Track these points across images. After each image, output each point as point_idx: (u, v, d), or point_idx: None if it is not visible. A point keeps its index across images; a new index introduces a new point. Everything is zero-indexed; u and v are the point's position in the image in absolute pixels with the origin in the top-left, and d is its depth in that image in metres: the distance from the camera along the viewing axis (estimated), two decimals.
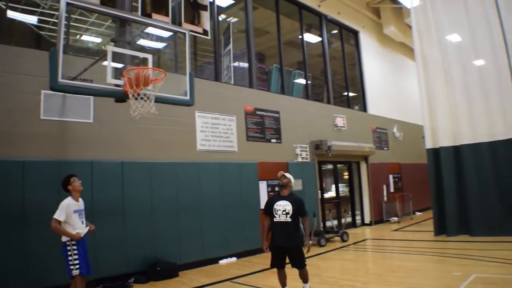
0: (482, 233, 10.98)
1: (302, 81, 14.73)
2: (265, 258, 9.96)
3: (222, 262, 9.94)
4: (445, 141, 12.12)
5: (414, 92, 13.56)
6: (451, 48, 12.23)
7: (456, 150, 11.92)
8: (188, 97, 7.08)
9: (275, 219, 5.99)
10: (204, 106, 10.21)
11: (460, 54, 12.06)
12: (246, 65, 12.62)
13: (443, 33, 12.37)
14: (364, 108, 17.33)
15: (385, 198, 16.58)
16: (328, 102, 15.33)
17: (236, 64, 12.67)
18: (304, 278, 6.12)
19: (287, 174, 6.40)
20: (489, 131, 11.40)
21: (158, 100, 6.44)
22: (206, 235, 9.77)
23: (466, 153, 11.68)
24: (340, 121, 14.81)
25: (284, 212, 5.95)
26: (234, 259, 10.20)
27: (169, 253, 8.84)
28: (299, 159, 12.76)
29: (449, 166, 11.94)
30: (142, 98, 6.06)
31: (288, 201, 6.06)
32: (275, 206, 6.04)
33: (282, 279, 6.13)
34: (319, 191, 13.80)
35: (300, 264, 6.05)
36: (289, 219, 5.93)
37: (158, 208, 8.91)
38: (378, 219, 16.06)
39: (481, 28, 11.65)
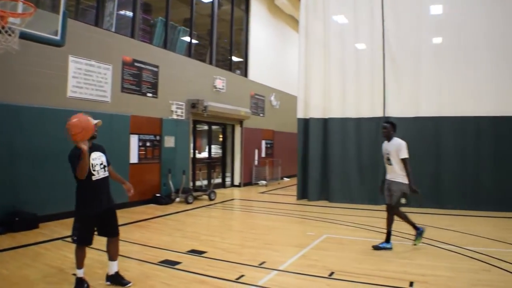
0: (340, 199, 11.95)
1: (187, 38, 14.35)
2: (131, 213, 9.88)
3: None
4: (316, 113, 12.80)
5: (295, 65, 14.01)
6: (334, 28, 12.81)
7: (325, 122, 12.68)
8: (58, 37, 6.50)
9: (93, 178, 4.65)
10: (79, 51, 9.49)
11: (341, 35, 12.68)
12: (130, 14, 11.93)
13: (329, 13, 12.88)
14: (245, 74, 17.49)
15: (256, 162, 17.14)
16: (210, 63, 15.19)
17: (121, 12, 11.92)
18: (117, 250, 4.93)
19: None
20: (356, 109, 12.28)
21: (25, 36, 5.84)
22: (71, 186, 9.19)
23: (333, 126, 12.47)
24: (219, 83, 14.80)
25: (102, 166, 4.78)
26: None
27: (31, 204, 8.20)
28: (174, 116, 12.56)
29: (316, 137, 12.67)
30: (6, 32, 5.40)
31: (100, 151, 4.87)
32: (91, 161, 4.65)
33: (84, 257, 4.71)
34: (192, 150, 13.78)
35: (117, 228, 4.95)
36: (107, 173, 4.85)
37: (20, 156, 8.16)
38: (248, 182, 16.61)
39: (364, 13, 12.39)
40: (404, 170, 6.73)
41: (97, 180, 4.68)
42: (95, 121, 4.56)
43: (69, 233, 4.74)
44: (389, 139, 7.01)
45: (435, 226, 8.78)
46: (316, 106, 12.83)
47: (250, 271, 5.52)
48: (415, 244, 6.95)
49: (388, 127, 7.05)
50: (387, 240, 6.88)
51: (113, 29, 11.17)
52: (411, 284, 5.07)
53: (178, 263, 5.77)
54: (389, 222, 6.97)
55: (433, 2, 11.84)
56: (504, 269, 5.71)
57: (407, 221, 6.99)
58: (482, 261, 6.11)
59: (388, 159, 6.94)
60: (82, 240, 4.64)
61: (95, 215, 4.67)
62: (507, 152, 10.86)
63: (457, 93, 11.31)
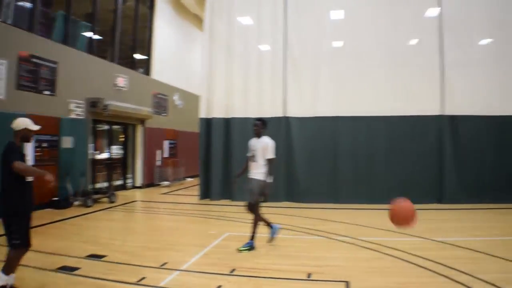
0: (242, 198, 12.15)
1: (88, 34, 13.82)
2: None
3: None
4: (218, 113, 12.99)
5: (199, 63, 14.12)
6: (239, 28, 13.10)
7: (227, 122, 12.92)
8: None
9: (28, 178, 4.72)
10: None
11: (245, 35, 13.03)
12: (29, 5, 11.24)
13: (234, 13, 13.13)
14: (148, 72, 17.23)
15: (159, 163, 16.97)
16: (112, 60, 14.79)
17: (19, 3, 11.15)
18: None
19: None
20: (258, 109, 12.62)
21: None
22: None
23: (235, 126, 12.75)
24: (121, 81, 14.46)
25: None
26: None
27: None
28: (73, 115, 12.07)
29: (219, 136, 12.84)
30: None
31: None
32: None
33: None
34: (92, 151, 13.34)
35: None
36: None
37: None
38: (150, 183, 16.39)
39: (268, 15, 12.85)
40: (267, 169, 6.81)
41: (30, 181, 4.70)
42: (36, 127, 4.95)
43: None
44: (258, 136, 7.06)
45: (332, 220, 9.45)
46: (219, 106, 13.02)
47: (152, 272, 5.54)
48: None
49: (259, 124, 7.11)
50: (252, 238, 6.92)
51: (10, 22, 10.48)
52: (308, 275, 5.43)
53: (76, 268, 5.62)
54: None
55: (334, 7, 12.64)
56: (396, 256, 6.33)
57: (262, 221, 7.07)
58: (375, 250, 6.71)
59: (254, 156, 6.96)
60: (27, 241, 4.55)
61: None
62: (397, 148, 12.02)
63: (353, 94, 12.23)
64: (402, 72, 12.09)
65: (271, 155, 6.83)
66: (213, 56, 13.24)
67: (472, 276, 5.28)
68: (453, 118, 11.97)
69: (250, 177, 7.03)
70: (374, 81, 12.18)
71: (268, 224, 7.13)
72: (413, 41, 12.46)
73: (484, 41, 12.20)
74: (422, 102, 12.02)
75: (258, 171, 6.87)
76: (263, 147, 6.86)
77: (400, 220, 5.20)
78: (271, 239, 7.10)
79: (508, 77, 11.85)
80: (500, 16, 11.88)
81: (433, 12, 12.16)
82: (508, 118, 11.75)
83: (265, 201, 6.95)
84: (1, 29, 9.93)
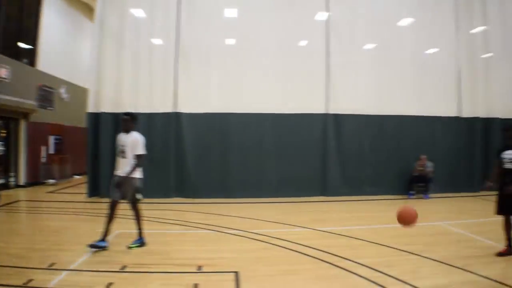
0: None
1: None
2: None
3: None
4: (108, 107, 12.63)
5: (88, 56, 13.63)
6: (131, 21, 12.83)
7: (116, 117, 12.29)
8: None
9: None
10: None
11: (137, 28, 12.80)
12: None
13: (126, 5, 12.85)
14: (33, 63, 16.25)
15: (44, 160, 16.14)
16: None
17: None
18: None
19: None
20: (149, 104, 12.62)
21: None
22: None
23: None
24: (3, 72, 13.49)
25: None
26: None
27: None
28: None
29: (108, 132, 12.40)
30: None
31: None
32: None
33: None
34: None
35: None
36: None
37: None
38: (35, 181, 15.50)
39: (161, 9, 12.82)
40: (135, 165, 6.70)
41: None
42: None
43: None
44: (127, 131, 6.94)
45: (223, 214, 9.86)
46: (108, 101, 12.65)
47: (39, 274, 5.44)
48: (130, 247, 6.80)
49: (128, 119, 7.01)
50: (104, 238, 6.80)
51: None
52: (199, 268, 5.73)
53: None
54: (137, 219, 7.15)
55: (228, 5, 12.99)
56: (283, 246, 6.89)
57: (138, 221, 7.10)
58: (263, 241, 7.23)
59: (123, 152, 6.84)
60: None
61: None
62: (285, 144, 12.84)
63: (244, 91, 12.76)
64: (291, 72, 12.94)
65: (140, 151, 6.76)
66: (103, 48, 12.78)
67: (352, 261, 5.99)
68: (335, 117, 13.07)
69: (119, 174, 6.91)
70: (264, 80, 12.81)
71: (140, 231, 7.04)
72: (303, 43, 13.34)
73: (365, 46, 13.50)
74: (308, 101, 12.97)
75: (128, 168, 6.72)
76: (133, 143, 6.77)
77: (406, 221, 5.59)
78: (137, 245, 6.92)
79: (384, 80, 13.31)
80: (381, 23, 13.27)
81: (321, 16, 13.10)
82: (384, 118, 13.23)
83: (141, 197, 7.01)
84: None
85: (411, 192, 12.85)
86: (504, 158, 6.49)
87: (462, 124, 13.82)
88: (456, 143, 13.74)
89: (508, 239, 6.50)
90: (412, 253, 6.44)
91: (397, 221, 5.60)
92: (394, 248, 6.77)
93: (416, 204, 11.20)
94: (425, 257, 6.22)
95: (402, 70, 13.46)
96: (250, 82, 12.83)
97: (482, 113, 13.94)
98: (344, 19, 13.21)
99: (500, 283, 5.16)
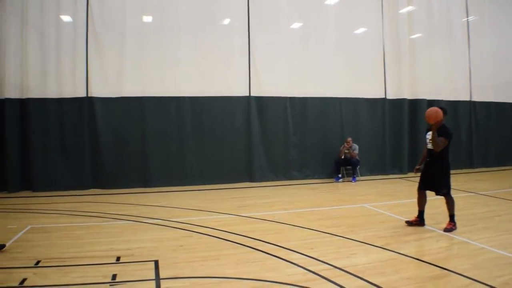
0: (44, 188, 11.49)
1: None
2: None
3: None
4: (12, 93, 11.56)
5: None
6: None
7: (22, 103, 11.65)
8: None
9: None
10: None
11: (43, 5, 11.65)
12: None
13: None
14: None
15: None
16: None
17: None
18: None
19: None
20: (58, 89, 11.77)
21: None
22: None
23: (32, 107, 11.60)
24: None
25: None
26: None
27: None
28: None
29: (13, 120, 11.55)
30: None
31: None
32: None
33: None
34: None
35: None
36: None
37: None
38: None
39: None
40: None
41: None
42: None
43: None
44: None
45: (142, 204, 9.68)
46: (12, 85, 11.55)
47: None
48: None
49: None
50: None
51: None
52: (118, 258, 5.64)
53: None
54: None
55: None
56: (203, 233, 6.94)
57: None
58: (184, 229, 7.22)
59: None
60: None
61: None
62: (206, 129, 12.68)
63: (159, 73, 12.32)
64: (211, 51, 12.60)
65: None
66: (4, 27, 11.51)
67: (274, 244, 6.17)
68: (258, 99, 13.04)
69: None
70: (180, 61, 12.36)
71: None
72: (223, 21, 13.01)
73: (290, 26, 13.52)
74: (230, 83, 12.79)
75: None
76: None
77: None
78: None
79: (309, 60, 13.40)
80: (305, 2, 13.38)
81: None
82: (309, 100, 13.42)
83: None
84: None
85: (338, 176, 13.04)
86: (426, 139, 7.08)
87: (389, 105, 14.20)
88: (383, 125, 14.14)
89: (420, 211, 7.15)
90: (334, 235, 6.73)
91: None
92: (317, 230, 7.04)
93: (343, 188, 11.94)
94: (347, 238, 6.54)
95: (327, 50, 13.55)
96: (167, 63, 12.33)
97: (408, 94, 14.44)
98: None
99: (417, 259, 5.59)
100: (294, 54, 13.31)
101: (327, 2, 13.70)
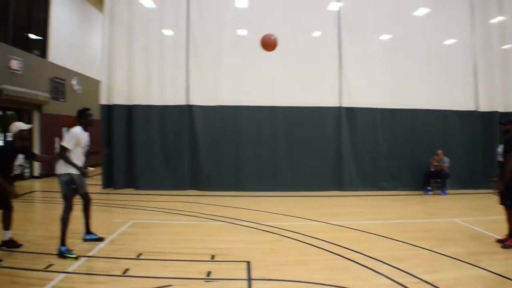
0: (146, 186, 12.35)
1: None
2: None
3: None
4: (120, 100, 12.69)
5: (99, 47, 13.66)
6: (141, 12, 12.82)
7: (129, 109, 12.72)
8: None
9: None
10: None
11: (147, 20, 12.78)
12: None
13: None
14: (44, 55, 16.38)
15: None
16: (5, 41, 13.88)
17: None
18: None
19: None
20: (160, 96, 12.68)
21: None
22: None
23: (138, 113, 12.62)
24: (15, 64, 13.63)
25: None
26: None
27: None
28: None
29: (120, 124, 12.61)
30: None
31: None
32: None
33: None
34: None
35: None
36: None
37: None
38: (49, 172, 15.62)
39: (170, 1, 12.77)
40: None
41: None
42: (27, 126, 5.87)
43: None
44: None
45: (234, 206, 9.94)
46: (120, 93, 12.70)
47: (59, 259, 5.61)
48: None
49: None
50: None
51: None
52: (212, 257, 5.85)
53: None
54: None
55: None
56: (294, 238, 6.97)
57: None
58: (275, 233, 7.32)
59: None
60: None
61: None
62: (298, 138, 12.71)
63: (254, 84, 12.63)
64: (303, 63, 12.71)
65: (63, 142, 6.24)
66: (114, 40, 12.82)
67: (361, 253, 6.05)
68: (349, 110, 12.87)
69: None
70: (274, 71, 12.60)
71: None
72: (315, 34, 13.12)
73: (379, 37, 13.28)
74: (321, 94, 12.78)
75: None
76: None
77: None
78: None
79: (398, 72, 12.97)
80: (394, 14, 13.01)
81: (333, 6, 12.88)
82: (399, 111, 12.96)
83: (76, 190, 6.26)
84: None
85: (427, 188, 12.52)
86: (498, 152, 6.78)
87: (480, 118, 13.31)
88: (474, 138, 13.30)
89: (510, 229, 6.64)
90: (422, 248, 6.46)
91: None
92: (404, 242, 6.80)
93: (432, 201, 11.38)
94: (436, 252, 6.25)
95: (417, 62, 13.10)
96: (262, 75, 12.67)
97: (500, 107, 13.41)
98: (356, 9, 12.95)
99: (508, 278, 5.20)
100: (383, 65, 12.98)
101: (416, 14, 13.16)
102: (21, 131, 5.97)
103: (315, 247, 6.46)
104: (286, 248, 6.49)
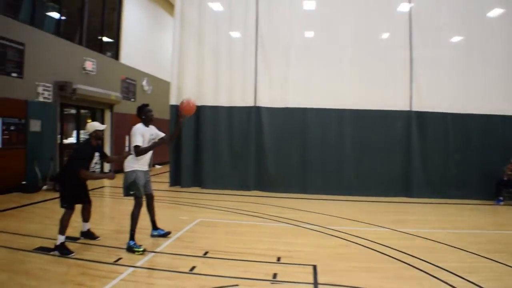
0: (212, 186, 12.49)
1: (55, 15, 13.44)
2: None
3: None
4: None
5: (170, 50, 13.97)
6: (210, 15, 13.02)
7: (198, 110, 12.74)
8: None
9: None
10: None
11: (216, 22, 12.97)
12: None
13: None
14: (116, 56, 17.01)
15: (128, 149, 16.78)
16: (80, 43, 14.53)
17: None
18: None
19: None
20: (228, 97, 12.78)
21: None
22: None
23: (206, 114, 12.81)
24: (89, 65, 14.19)
25: None
26: None
27: None
28: (41, 99, 11.83)
29: (189, 124, 12.75)
30: None
31: None
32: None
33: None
34: (59, 135, 13.13)
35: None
36: None
37: None
38: (119, 169, 16.07)
39: (239, 2, 12.87)
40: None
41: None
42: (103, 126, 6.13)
43: None
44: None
45: (300, 209, 9.71)
46: (189, 93, 12.71)
47: (127, 254, 5.70)
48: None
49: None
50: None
51: None
52: (278, 259, 5.70)
53: (53, 249, 5.69)
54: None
55: None
56: (361, 244, 6.67)
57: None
58: (341, 238, 7.05)
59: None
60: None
61: None
62: (365, 142, 12.29)
63: (322, 86, 12.38)
64: (372, 66, 12.32)
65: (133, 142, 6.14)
66: (184, 42, 13.12)
67: (432, 264, 5.66)
68: (419, 114, 12.25)
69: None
70: (344, 74, 12.32)
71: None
72: (384, 36, 12.67)
73: (451, 39, 12.53)
74: (390, 97, 12.26)
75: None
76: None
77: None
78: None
79: (471, 75, 12.16)
80: (467, 15, 12.22)
81: (404, 7, 12.37)
82: (471, 117, 12.12)
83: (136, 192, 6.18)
84: None
85: (499, 198, 11.60)
86: None
87: None
88: None
89: None
90: (496, 261, 5.93)
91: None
92: (477, 254, 6.29)
93: (504, 211, 10.61)
94: (509, 266, 5.73)
95: (491, 65, 12.19)
96: (329, 76, 12.41)
97: None
98: (428, 10, 12.34)
99: None
100: (456, 69, 12.19)
101: (490, 15, 12.22)
102: (97, 131, 6.15)
103: (383, 254, 6.14)
104: (353, 253, 6.22)
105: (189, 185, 12.73)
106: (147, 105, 6.54)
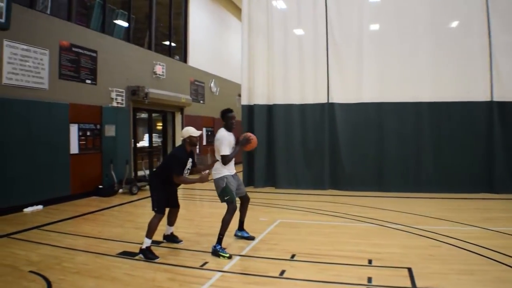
0: (286, 185, 12.19)
1: (124, 23, 13.76)
2: (75, 206, 9.50)
3: (27, 210, 8.98)
4: (260, 100, 12.78)
5: (235, 51, 13.86)
6: (277, 15, 12.80)
7: (269, 109, 12.74)
8: (3, 20, 6.02)
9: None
10: (14, 35, 8.74)
11: (284, 22, 12.71)
12: None
13: None
14: (184, 59, 17.16)
15: (197, 150, 16.92)
16: (149, 48, 14.75)
17: None
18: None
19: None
20: (300, 95, 12.44)
21: None
22: (10, 181, 8.66)
23: (278, 112, 12.56)
24: (159, 69, 14.41)
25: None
26: (40, 207, 9.29)
27: None
28: (114, 104, 12.07)
29: (261, 123, 12.65)
30: None
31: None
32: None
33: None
34: (132, 139, 13.36)
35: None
36: None
37: None
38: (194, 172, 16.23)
39: (307, 0, 12.50)
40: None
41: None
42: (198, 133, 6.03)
43: (12, 229, 4.48)
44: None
45: (380, 208, 9.19)
46: (260, 93, 12.82)
47: (212, 257, 5.51)
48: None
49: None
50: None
51: (48, 11, 10.47)
52: (369, 261, 5.31)
53: (137, 253, 5.60)
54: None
55: None
56: (452, 244, 6.09)
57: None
58: (431, 238, 6.49)
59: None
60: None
61: None
62: (445, 135, 11.43)
63: (397, 79, 11.70)
64: (448, 56, 11.43)
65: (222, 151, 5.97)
66: (252, 44, 13.00)
67: None
68: (501, 104, 11.25)
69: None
70: (419, 65, 11.56)
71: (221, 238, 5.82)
72: (460, 23, 11.69)
73: None
74: (469, 88, 11.33)
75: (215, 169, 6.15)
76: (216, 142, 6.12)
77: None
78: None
79: None
80: None
81: None
82: None
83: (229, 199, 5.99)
84: (41, 19, 9.92)
85: None
86: None
87: None
88: None
89: None
90: None
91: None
92: None
93: None
94: None
95: None
96: (403, 69, 11.68)
97: None
98: None
99: None
100: None
101: None
102: (191, 136, 5.98)
103: (479, 255, 5.54)
104: (447, 255, 5.66)
105: (263, 185, 12.53)
106: (229, 110, 6.31)
